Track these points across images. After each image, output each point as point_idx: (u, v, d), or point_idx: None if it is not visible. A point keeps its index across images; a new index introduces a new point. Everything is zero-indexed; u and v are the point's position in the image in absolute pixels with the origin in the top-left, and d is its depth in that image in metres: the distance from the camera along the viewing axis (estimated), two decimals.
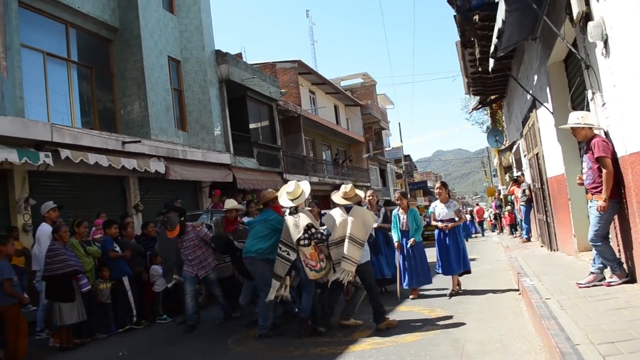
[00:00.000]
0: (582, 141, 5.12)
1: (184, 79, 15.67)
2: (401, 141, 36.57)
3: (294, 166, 21.57)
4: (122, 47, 13.46)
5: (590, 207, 5.04)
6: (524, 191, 12.68)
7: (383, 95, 38.52)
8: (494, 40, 6.38)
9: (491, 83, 14.45)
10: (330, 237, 5.76)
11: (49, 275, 6.37)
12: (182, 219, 7.28)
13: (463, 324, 5.42)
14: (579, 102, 7.18)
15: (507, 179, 18.70)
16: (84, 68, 12.65)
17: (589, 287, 5.03)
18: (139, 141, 12.17)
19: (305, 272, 5.60)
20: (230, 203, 7.85)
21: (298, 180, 6.30)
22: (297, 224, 5.65)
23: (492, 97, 16.46)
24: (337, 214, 5.87)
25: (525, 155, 12.84)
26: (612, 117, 4.83)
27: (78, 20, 12.22)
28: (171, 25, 15.25)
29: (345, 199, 5.89)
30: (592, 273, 5.11)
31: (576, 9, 4.98)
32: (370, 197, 8.15)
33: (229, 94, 17.19)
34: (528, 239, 12.78)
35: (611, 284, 4.98)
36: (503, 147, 16.84)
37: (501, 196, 18.39)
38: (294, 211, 5.77)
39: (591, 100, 5.30)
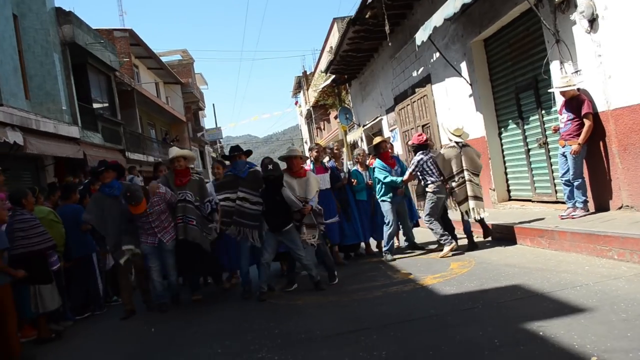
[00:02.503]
0: (567, 98, 6.22)
1: (22, 38, 13.25)
2: (216, 124, 36.30)
3: (133, 144, 19.94)
4: None
5: (564, 151, 6.23)
6: None
7: (199, 75, 37.54)
8: (455, 11, 7.14)
9: (356, 62, 15.70)
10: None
11: (23, 252, 5.15)
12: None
13: (488, 253, 6.28)
14: (499, 77, 8.61)
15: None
16: None
17: (571, 218, 6.26)
18: (1, 104, 10.10)
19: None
20: (175, 150, 6.54)
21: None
22: (458, 159, 6.66)
23: (345, 76, 17.79)
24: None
25: (393, 130, 14.32)
26: (588, 81, 6.12)
27: None
28: None
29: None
30: (570, 207, 6.36)
31: None
32: (337, 151, 7.97)
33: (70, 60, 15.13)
34: None
35: (574, 216, 6.29)
36: (352, 124, 18.36)
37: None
38: (460, 147, 6.70)
39: (560, 68, 6.55)
